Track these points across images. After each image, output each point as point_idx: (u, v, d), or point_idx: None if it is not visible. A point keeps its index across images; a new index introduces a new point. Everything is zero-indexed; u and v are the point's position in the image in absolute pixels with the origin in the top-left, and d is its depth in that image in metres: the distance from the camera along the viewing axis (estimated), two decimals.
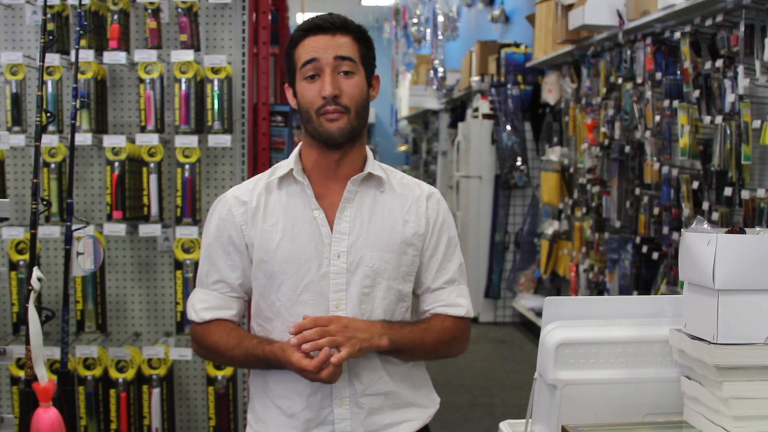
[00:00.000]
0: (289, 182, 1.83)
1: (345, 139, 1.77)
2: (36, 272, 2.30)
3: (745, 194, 3.41)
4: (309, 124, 1.78)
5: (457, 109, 8.84)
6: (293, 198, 1.82)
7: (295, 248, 1.78)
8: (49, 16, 2.84)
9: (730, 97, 3.49)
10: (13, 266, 3.08)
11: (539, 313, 6.03)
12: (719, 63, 3.57)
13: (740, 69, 3.38)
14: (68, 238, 2.73)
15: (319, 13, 1.84)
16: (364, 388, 1.79)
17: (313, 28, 1.78)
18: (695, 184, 3.86)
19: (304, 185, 1.81)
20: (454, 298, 1.87)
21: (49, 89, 3.11)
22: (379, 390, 1.80)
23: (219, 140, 3.16)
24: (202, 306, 1.85)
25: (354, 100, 1.76)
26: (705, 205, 3.73)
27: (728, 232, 1.41)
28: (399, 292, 1.82)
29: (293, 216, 1.80)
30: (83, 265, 2.78)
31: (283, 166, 1.85)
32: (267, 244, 1.79)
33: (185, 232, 3.12)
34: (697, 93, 3.80)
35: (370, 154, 1.87)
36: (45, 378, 2.27)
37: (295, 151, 1.86)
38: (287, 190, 1.83)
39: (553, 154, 6.20)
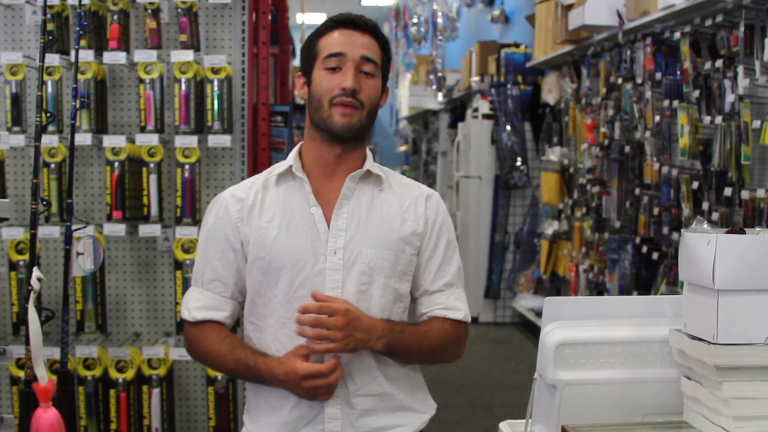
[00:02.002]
0: (288, 179, 1.83)
1: (353, 135, 1.78)
2: (36, 272, 2.30)
3: (745, 194, 3.41)
4: (318, 113, 1.77)
5: (457, 109, 8.84)
6: (291, 194, 1.82)
7: (291, 244, 1.77)
8: (49, 16, 2.84)
9: (730, 97, 3.49)
10: (13, 266, 3.08)
11: (539, 313, 6.03)
12: (719, 63, 3.57)
13: (740, 69, 3.38)
14: (68, 238, 2.73)
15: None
16: (357, 388, 1.77)
17: (344, 21, 1.79)
18: (695, 184, 3.86)
19: (303, 181, 1.81)
20: (453, 302, 1.86)
21: (49, 89, 3.11)
22: (372, 391, 1.78)
23: (219, 140, 3.16)
24: (195, 305, 1.85)
25: (370, 99, 1.78)
26: (705, 205, 3.73)
27: (728, 232, 1.41)
28: (396, 291, 1.81)
29: (290, 212, 1.80)
30: (83, 265, 2.78)
31: (282, 164, 1.86)
32: (263, 240, 1.79)
33: (185, 232, 3.11)
34: (697, 93, 3.80)
35: (369, 154, 1.87)
36: (45, 378, 2.27)
37: (296, 148, 1.87)
38: (285, 187, 1.83)
39: (553, 154, 6.20)
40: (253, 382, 1.82)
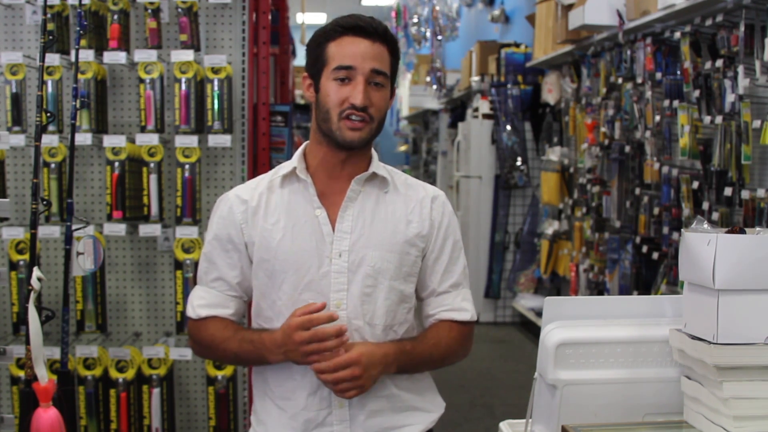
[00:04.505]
0: (292, 181, 1.83)
1: (360, 147, 1.77)
2: (36, 272, 2.30)
3: (745, 194, 3.41)
4: (326, 123, 1.75)
5: (457, 109, 8.84)
6: (295, 196, 1.81)
7: (296, 247, 1.77)
8: (49, 16, 2.83)
9: (730, 97, 3.48)
10: (13, 266, 3.07)
11: (539, 313, 6.03)
12: (719, 63, 3.57)
13: (740, 69, 3.38)
14: (68, 238, 2.73)
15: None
16: None
17: (354, 27, 1.75)
18: (695, 184, 3.86)
19: (307, 184, 1.80)
20: (459, 302, 1.86)
21: (49, 89, 3.11)
22: (380, 393, 1.79)
23: (219, 140, 3.16)
24: (200, 303, 1.85)
25: (379, 111, 1.76)
26: (705, 205, 3.73)
27: (728, 232, 1.41)
28: (401, 293, 1.81)
29: (295, 214, 1.79)
30: (83, 265, 2.78)
31: (286, 165, 1.85)
32: (268, 243, 1.79)
33: (185, 232, 3.11)
34: (697, 93, 3.79)
35: (375, 155, 1.86)
36: (45, 378, 2.27)
37: (300, 149, 1.86)
38: (290, 189, 1.82)
39: (553, 154, 6.20)
40: (256, 362, 1.80)
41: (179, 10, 3.18)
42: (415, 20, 9.55)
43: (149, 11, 3.19)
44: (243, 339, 1.78)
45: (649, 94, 4.37)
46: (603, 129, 5.10)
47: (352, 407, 1.78)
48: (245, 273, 1.84)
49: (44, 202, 2.55)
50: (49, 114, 2.53)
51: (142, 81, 3.14)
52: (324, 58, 1.76)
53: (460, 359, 1.91)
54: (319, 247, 1.77)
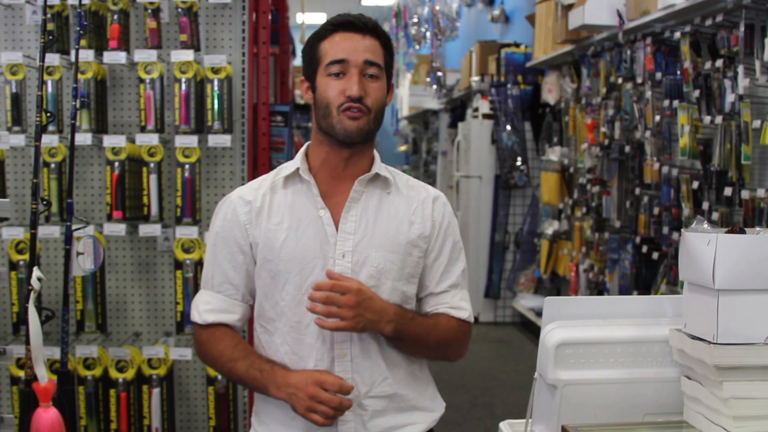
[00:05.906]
0: (295, 181, 1.83)
1: (361, 139, 1.77)
2: (36, 272, 2.30)
3: (745, 194, 3.41)
4: (326, 120, 1.76)
5: (457, 109, 8.84)
6: (299, 197, 1.81)
7: (300, 247, 1.77)
8: (49, 16, 2.84)
9: (730, 97, 3.49)
10: (13, 266, 3.08)
11: (539, 313, 6.03)
12: (719, 63, 3.57)
13: (740, 69, 3.38)
14: (68, 238, 2.73)
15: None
16: (367, 390, 1.78)
17: (344, 24, 1.77)
18: (695, 184, 3.86)
19: (310, 184, 1.81)
20: (458, 301, 1.87)
21: (49, 89, 3.11)
22: (382, 392, 1.79)
23: (219, 140, 3.16)
24: (206, 308, 1.84)
25: (376, 103, 1.77)
26: (705, 205, 3.73)
27: (728, 232, 1.41)
28: (403, 293, 1.82)
29: (298, 215, 1.79)
30: (83, 265, 2.78)
31: (288, 166, 1.85)
32: (271, 243, 1.79)
33: (185, 232, 3.11)
34: (697, 93, 3.80)
35: (377, 156, 1.86)
36: (45, 378, 2.27)
37: (302, 150, 1.86)
38: (293, 189, 1.82)
39: (553, 154, 6.20)
40: (256, 389, 1.81)
41: (179, 10, 3.18)
42: (415, 20, 9.54)
43: (149, 11, 3.19)
44: (252, 365, 1.78)
45: (649, 94, 4.38)
46: (603, 129, 5.10)
47: (355, 407, 1.78)
48: (251, 276, 1.84)
49: (44, 202, 2.55)
50: (49, 114, 2.53)
51: (142, 81, 3.14)
52: (317, 57, 1.78)
53: (455, 357, 1.91)
54: (323, 248, 1.77)
